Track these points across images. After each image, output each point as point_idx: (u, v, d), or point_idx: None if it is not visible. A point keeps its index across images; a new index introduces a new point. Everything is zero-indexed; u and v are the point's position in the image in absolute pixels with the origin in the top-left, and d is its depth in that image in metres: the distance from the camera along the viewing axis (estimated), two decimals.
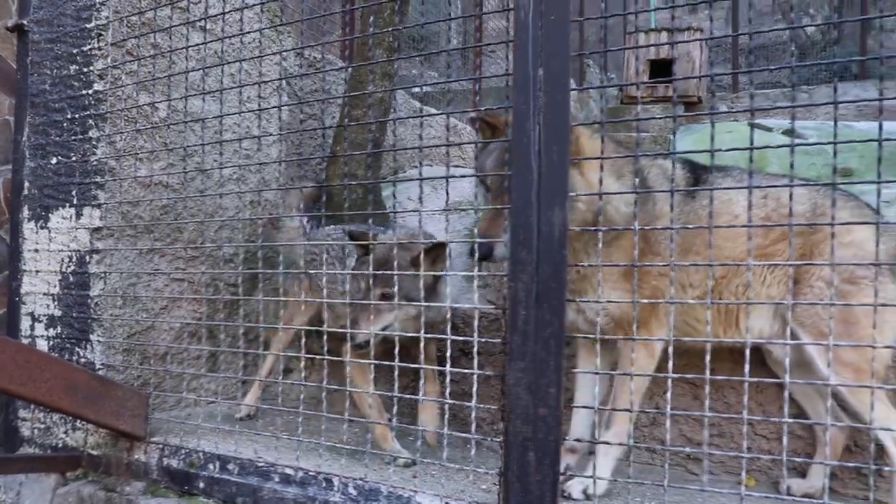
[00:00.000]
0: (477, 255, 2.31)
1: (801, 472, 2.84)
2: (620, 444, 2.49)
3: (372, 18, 2.42)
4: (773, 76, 11.79)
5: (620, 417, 2.50)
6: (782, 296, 2.56)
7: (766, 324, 2.66)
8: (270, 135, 2.59)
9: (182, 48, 3.12)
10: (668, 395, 2.10)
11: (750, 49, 2.45)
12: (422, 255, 2.74)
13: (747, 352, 2.00)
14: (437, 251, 2.82)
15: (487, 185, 2.46)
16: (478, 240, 2.31)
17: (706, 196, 2.54)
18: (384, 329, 2.82)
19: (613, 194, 2.33)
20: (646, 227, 2.40)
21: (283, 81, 4.40)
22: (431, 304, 2.74)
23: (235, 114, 2.90)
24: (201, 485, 2.92)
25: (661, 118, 2.17)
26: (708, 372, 2.01)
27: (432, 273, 2.76)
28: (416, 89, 7.97)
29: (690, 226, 2.32)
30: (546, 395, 2.03)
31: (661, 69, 9.71)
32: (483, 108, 2.44)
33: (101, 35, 3.36)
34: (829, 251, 2.03)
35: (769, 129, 10.10)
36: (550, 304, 2.00)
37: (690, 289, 2.64)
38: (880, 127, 1.81)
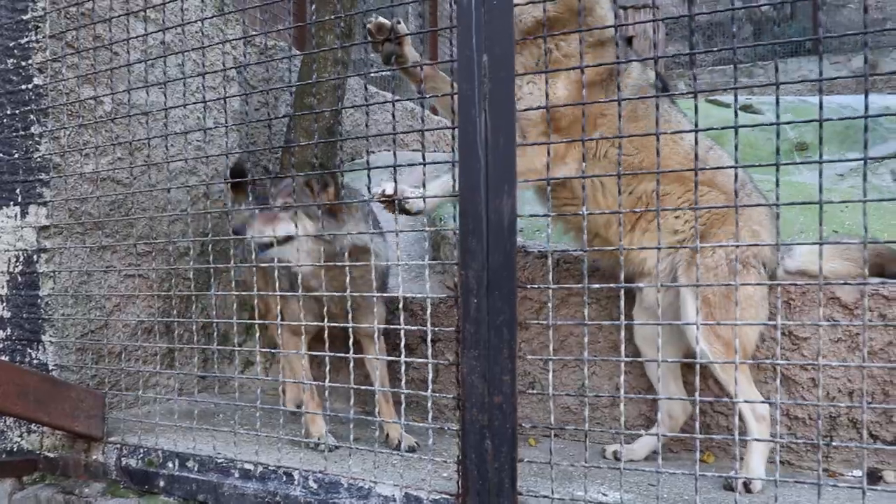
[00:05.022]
0: None
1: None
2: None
3: (314, 6, 2.37)
4: (730, 52, 11.85)
5: None
6: (685, 237, 2.64)
7: (654, 257, 2.69)
8: (215, 126, 2.53)
9: (124, 39, 3.04)
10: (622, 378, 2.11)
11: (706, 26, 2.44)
12: (313, 182, 2.75)
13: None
14: (328, 181, 2.79)
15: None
16: None
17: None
18: (287, 241, 2.79)
19: None
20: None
21: (234, 71, 4.33)
22: (337, 233, 2.72)
23: (180, 106, 2.83)
24: (161, 483, 2.89)
25: (633, 99, 2.15)
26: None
27: (329, 203, 2.75)
28: (373, 74, 7.90)
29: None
30: (500, 383, 2.03)
31: None
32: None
33: (38, 27, 3.26)
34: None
35: (727, 106, 10.19)
36: (501, 292, 1.99)
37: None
38: (821, 105, 1.81)
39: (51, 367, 3.27)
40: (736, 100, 1.98)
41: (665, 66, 9.75)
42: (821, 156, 1.84)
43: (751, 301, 2.51)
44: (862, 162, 1.76)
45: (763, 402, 2.55)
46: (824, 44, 1.88)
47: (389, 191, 2.35)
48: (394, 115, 2.26)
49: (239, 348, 3.24)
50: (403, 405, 2.41)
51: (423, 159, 2.22)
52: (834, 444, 2.33)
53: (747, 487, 2.46)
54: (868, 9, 1.83)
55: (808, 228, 3.77)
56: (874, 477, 2.68)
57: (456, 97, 2.03)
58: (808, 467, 2.86)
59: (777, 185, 1.86)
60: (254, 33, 3.17)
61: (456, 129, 2.01)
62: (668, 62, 9.97)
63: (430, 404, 2.31)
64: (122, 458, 3.01)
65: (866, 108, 1.77)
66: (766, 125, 1.93)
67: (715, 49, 1.96)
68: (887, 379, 2.75)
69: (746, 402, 2.48)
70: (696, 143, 1.94)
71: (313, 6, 2.29)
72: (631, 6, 9.97)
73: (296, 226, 2.71)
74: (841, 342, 2.79)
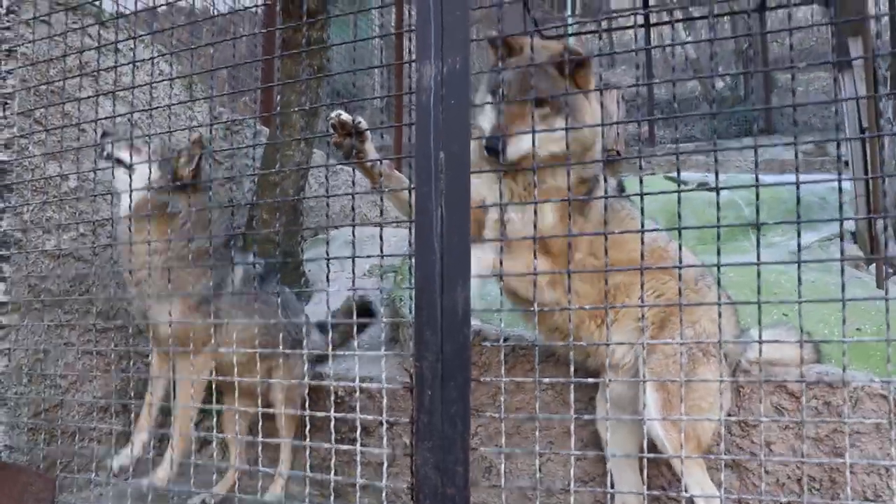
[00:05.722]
0: (495, 149, 2.47)
1: None
2: None
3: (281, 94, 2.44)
4: (688, 130, 12.28)
5: None
6: (648, 323, 2.70)
7: (625, 349, 2.77)
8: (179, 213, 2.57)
9: (93, 120, 3.08)
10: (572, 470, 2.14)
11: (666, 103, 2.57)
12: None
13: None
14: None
15: (504, 93, 2.58)
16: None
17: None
18: None
19: None
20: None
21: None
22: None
23: (145, 189, 2.88)
24: None
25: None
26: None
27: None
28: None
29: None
30: (454, 474, 2.04)
31: None
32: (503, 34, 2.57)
33: (6, 104, 3.30)
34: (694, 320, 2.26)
35: (685, 183, 10.48)
36: (456, 383, 2.03)
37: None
38: (757, 195, 1.91)
39: (0, 449, 3.20)
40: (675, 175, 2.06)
41: (626, 143, 10.03)
42: (758, 258, 1.93)
43: (709, 389, 2.55)
44: (816, 240, 1.87)
45: (714, 496, 2.57)
46: (778, 124, 2.02)
47: (345, 117, 2.55)
48: (353, 208, 2.32)
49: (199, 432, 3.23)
50: (359, 493, 2.40)
51: (381, 251, 2.28)
52: None
53: None
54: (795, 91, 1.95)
55: (755, 317, 3.86)
56: None
57: (413, 192, 2.10)
58: None
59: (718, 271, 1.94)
60: (221, 120, 3.24)
61: (413, 224, 2.08)
62: (628, 138, 10.27)
63: (383, 495, 2.31)
64: None
65: (798, 199, 1.87)
66: (716, 199, 2.01)
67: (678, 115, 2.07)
68: (833, 467, 2.81)
69: (694, 496, 2.51)
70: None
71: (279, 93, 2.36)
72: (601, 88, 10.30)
73: None
74: (789, 429, 2.86)
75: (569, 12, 14.10)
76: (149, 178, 2.97)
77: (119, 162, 3.00)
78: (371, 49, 11.26)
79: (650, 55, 12.06)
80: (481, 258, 2.42)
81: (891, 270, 8.64)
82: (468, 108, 2.11)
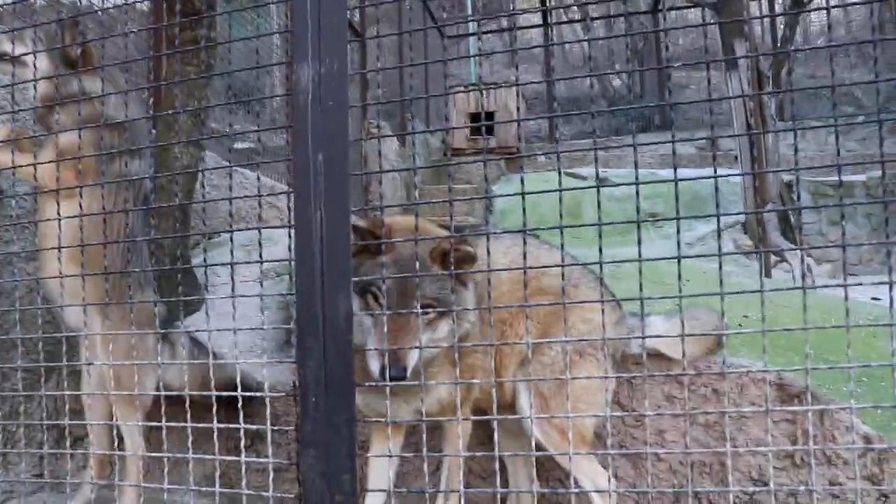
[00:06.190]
0: (388, 373, 2.18)
1: None
2: None
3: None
4: (586, 127, 12.56)
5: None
6: (527, 354, 2.67)
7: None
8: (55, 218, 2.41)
9: None
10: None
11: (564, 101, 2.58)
12: None
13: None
14: None
15: (376, 295, 2.34)
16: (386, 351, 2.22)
17: None
18: None
19: None
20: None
21: None
22: None
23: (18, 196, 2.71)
24: None
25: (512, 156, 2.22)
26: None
27: None
28: (238, 145, 7.81)
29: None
30: (341, 482, 1.99)
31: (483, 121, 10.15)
32: (357, 210, 2.39)
33: None
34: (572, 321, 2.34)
35: (583, 178, 10.74)
36: (340, 389, 1.98)
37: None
38: (636, 194, 1.94)
39: None
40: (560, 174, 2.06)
41: (526, 140, 10.19)
42: (640, 254, 1.96)
43: (588, 389, 2.59)
44: (710, 231, 1.92)
45: (603, 489, 2.58)
46: (670, 121, 2.09)
47: None
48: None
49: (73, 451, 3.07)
50: None
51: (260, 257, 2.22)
52: None
53: None
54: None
55: (654, 302, 3.97)
56: None
57: (292, 196, 2.03)
58: None
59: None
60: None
61: (292, 229, 2.02)
62: (528, 135, 10.43)
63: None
64: None
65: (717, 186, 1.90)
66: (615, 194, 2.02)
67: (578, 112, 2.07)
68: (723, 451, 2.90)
69: (585, 490, 2.55)
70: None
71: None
72: (493, 84, 10.43)
73: None
74: (680, 418, 2.94)
75: (469, 12, 14.22)
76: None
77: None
78: (272, 47, 11.06)
79: (549, 53, 12.27)
80: None
81: (776, 258, 9.10)
82: (346, 109, 2.06)
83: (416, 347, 2.23)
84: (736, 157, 10.55)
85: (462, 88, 10.55)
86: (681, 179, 2.06)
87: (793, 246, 8.67)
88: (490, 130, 9.82)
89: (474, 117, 10.06)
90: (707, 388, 2.96)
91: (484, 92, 10.20)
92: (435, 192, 10.32)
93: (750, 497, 2.89)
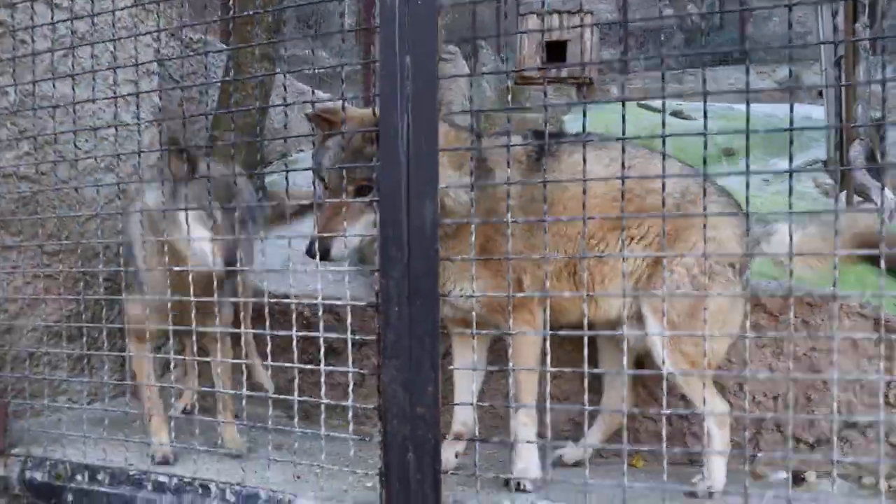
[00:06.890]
0: (314, 254, 2.27)
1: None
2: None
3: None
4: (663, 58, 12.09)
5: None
6: (639, 274, 2.55)
7: (619, 303, 2.54)
8: (128, 125, 2.40)
9: (29, 27, 2.84)
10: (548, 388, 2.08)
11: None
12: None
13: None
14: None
15: (326, 181, 2.36)
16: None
17: (555, 167, 2.51)
18: None
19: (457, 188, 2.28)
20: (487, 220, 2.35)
21: (157, 65, 4.14)
22: None
23: (90, 101, 2.69)
24: (70, 498, 2.74)
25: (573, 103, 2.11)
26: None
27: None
28: (308, 71, 7.73)
29: (530, 218, 2.37)
30: (423, 394, 1.96)
31: (555, 50, 9.82)
32: (317, 101, 2.36)
33: None
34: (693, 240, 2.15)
35: (658, 111, 10.37)
36: (424, 300, 1.93)
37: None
38: (748, 119, 1.81)
39: None
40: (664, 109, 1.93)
41: (599, 72, 9.85)
42: (748, 168, 1.84)
43: (719, 313, 2.40)
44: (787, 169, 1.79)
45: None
46: (753, 54, 1.88)
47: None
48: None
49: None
50: (323, 414, 2.30)
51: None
52: (759, 454, 2.36)
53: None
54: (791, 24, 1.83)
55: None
56: (797, 479, 2.71)
57: (378, 99, 1.96)
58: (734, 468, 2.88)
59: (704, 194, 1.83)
60: (173, 27, 3.03)
61: (376, 133, 1.94)
62: (602, 67, 10.09)
63: (350, 415, 2.23)
64: (26, 472, 2.84)
65: (791, 121, 1.78)
66: (695, 134, 1.88)
67: (643, 57, 1.94)
68: (809, 384, 2.79)
69: (675, 412, 2.45)
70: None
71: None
72: (566, 11, 10.05)
73: None
74: (766, 348, 2.82)
75: None
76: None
77: None
78: None
79: None
80: None
81: (859, 198, 8.70)
82: (434, 8, 1.96)
83: (342, 236, 2.24)
84: (820, 93, 10.03)
85: (535, 16, 10.22)
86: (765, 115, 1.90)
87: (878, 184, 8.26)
88: (562, 59, 9.53)
89: (548, 46, 9.76)
90: (797, 320, 2.82)
91: (556, 20, 9.87)
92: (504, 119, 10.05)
93: (838, 433, 2.78)
